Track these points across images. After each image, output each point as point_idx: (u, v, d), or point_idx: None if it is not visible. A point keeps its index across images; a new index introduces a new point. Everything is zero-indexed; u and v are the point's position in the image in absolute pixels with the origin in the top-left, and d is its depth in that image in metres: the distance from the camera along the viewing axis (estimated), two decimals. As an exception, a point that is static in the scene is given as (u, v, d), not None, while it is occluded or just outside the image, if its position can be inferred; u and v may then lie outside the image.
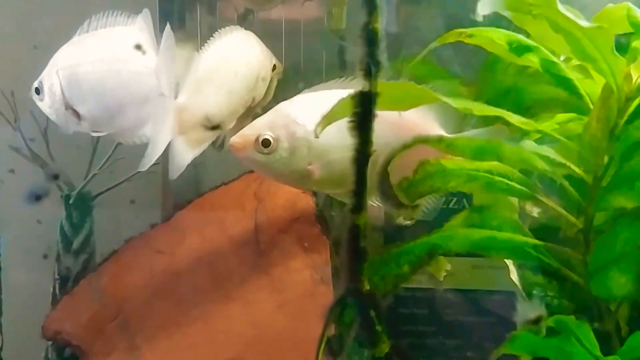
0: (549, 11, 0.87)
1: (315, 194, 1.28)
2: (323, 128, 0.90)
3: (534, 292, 1.19)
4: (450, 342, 1.38)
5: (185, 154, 1.11)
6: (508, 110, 1.00)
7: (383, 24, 1.39)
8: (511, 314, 1.29)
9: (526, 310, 0.91)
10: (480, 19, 0.86)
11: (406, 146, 0.90)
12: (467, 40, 0.98)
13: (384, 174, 0.89)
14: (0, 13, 1.35)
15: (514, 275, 1.04)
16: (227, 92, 1.15)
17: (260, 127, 1.05)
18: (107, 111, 1.11)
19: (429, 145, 0.92)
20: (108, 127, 1.13)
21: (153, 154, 1.08)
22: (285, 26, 1.39)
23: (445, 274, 1.26)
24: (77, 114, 1.09)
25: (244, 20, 1.39)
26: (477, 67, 1.34)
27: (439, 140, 0.91)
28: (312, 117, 0.95)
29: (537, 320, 0.88)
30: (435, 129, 1.05)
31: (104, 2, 1.38)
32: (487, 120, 1.04)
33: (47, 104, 1.12)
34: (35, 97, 1.14)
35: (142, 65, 1.11)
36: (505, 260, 1.05)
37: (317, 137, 0.93)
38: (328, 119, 0.88)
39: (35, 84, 1.13)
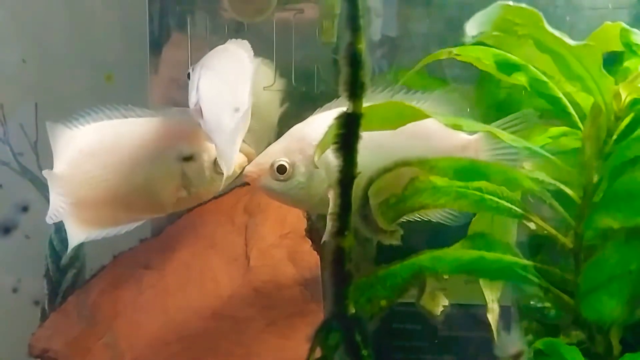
0: (536, 31, 0.86)
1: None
2: (320, 155, 0.89)
3: (531, 303, 1.18)
4: (443, 357, 1.37)
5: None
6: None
7: (380, 28, 1.39)
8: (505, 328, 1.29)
9: (506, 345, 0.90)
10: (469, 40, 0.85)
11: (387, 169, 0.89)
12: (457, 58, 0.97)
13: (364, 198, 0.88)
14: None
15: (492, 315, 1.03)
16: None
17: (274, 153, 1.01)
18: (214, 122, 1.02)
19: (412, 167, 0.91)
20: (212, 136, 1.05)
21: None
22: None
23: (442, 309, 1.24)
24: (201, 112, 1.02)
25: (236, 32, 1.38)
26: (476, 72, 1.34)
27: (422, 162, 0.90)
28: None
29: (517, 356, 0.86)
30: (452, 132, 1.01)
31: (93, 13, 1.38)
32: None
33: (190, 90, 1.06)
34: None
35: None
36: (488, 299, 1.05)
37: (316, 166, 0.91)
38: (323, 146, 0.87)
39: (190, 69, 1.08)
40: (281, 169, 1.00)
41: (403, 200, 0.95)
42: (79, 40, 1.39)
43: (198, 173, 1.06)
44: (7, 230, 1.00)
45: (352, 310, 0.83)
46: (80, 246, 1.33)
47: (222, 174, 1.03)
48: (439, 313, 1.24)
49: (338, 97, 1.05)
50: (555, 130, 1.08)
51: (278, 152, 1.01)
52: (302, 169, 1.00)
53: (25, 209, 1.33)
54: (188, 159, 1.07)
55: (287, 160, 1.00)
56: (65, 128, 1.06)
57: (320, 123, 0.97)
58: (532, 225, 1.14)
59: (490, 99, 1.23)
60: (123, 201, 1.05)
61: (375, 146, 0.92)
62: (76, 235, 1.05)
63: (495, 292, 1.04)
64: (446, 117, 0.90)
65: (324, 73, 1.38)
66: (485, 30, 0.85)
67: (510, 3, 0.84)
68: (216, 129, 0.96)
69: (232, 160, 0.98)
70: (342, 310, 0.82)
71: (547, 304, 1.17)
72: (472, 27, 0.83)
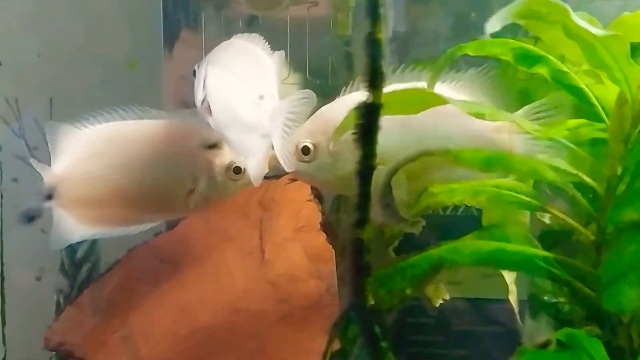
0: (563, 20, 0.85)
1: (321, 201, 1.27)
2: (335, 140, 0.88)
3: (545, 298, 1.17)
4: (457, 352, 1.36)
5: None
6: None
7: (391, 24, 1.39)
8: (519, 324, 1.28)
9: (532, 333, 0.89)
10: (487, 37, 0.84)
11: (409, 159, 0.88)
12: (474, 54, 0.97)
13: (387, 187, 0.87)
14: (4, 22, 1.34)
15: (513, 297, 1.02)
16: None
17: (299, 135, 1.01)
18: (225, 118, 1.00)
19: (435, 157, 0.90)
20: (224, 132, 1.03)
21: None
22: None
23: (442, 302, 1.24)
24: (209, 109, 1.01)
25: (249, 26, 1.38)
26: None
27: (446, 152, 0.89)
28: None
29: (545, 345, 0.85)
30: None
31: (107, 7, 1.38)
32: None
33: (195, 88, 1.05)
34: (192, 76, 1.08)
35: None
36: (507, 281, 1.04)
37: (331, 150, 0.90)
38: (340, 132, 0.87)
39: (195, 65, 1.07)
40: (305, 150, 1.01)
41: (419, 200, 0.94)
42: (94, 36, 1.39)
43: (209, 178, 1.06)
44: (30, 219, 0.99)
45: (371, 302, 0.83)
46: (95, 240, 1.35)
47: (235, 180, 1.05)
48: (437, 305, 1.24)
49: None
50: (573, 122, 1.07)
51: (303, 133, 1.01)
52: (326, 150, 1.00)
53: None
54: (212, 146, 1.06)
55: (311, 141, 1.00)
56: (70, 128, 1.05)
57: (344, 105, 0.98)
58: (546, 220, 1.14)
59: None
60: (131, 201, 1.05)
61: (405, 125, 0.92)
62: (77, 232, 1.05)
63: (513, 274, 1.04)
64: (468, 104, 0.89)
65: (338, 66, 1.38)
66: (507, 23, 0.84)
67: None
68: (229, 124, 0.96)
69: (260, 154, 0.95)
70: (361, 302, 0.81)
71: (562, 299, 1.16)
72: (494, 24, 0.82)
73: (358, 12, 1.35)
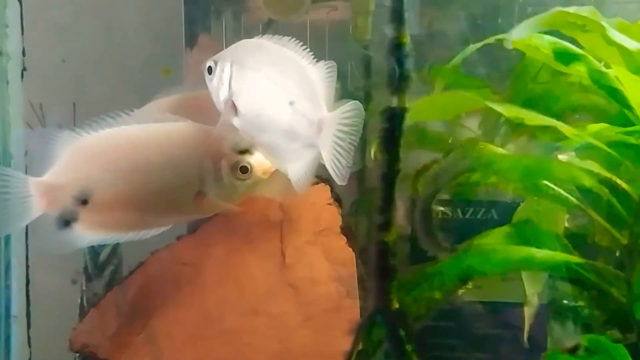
0: (599, 30, 0.85)
1: (340, 205, 1.28)
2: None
3: (565, 302, 1.17)
4: (477, 355, 1.36)
5: None
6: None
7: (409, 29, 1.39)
8: (540, 327, 1.28)
9: (560, 336, 0.89)
10: (509, 46, 0.84)
11: (458, 174, 0.88)
12: (512, 47, 0.96)
13: (427, 212, 0.87)
14: (30, 28, 1.37)
15: (529, 309, 1.01)
16: None
17: None
18: (259, 120, 1.01)
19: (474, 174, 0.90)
20: (256, 136, 1.04)
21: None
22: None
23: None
24: (235, 109, 1.02)
25: (268, 29, 1.39)
26: (503, 71, 1.33)
27: (486, 165, 0.89)
28: None
29: (574, 349, 0.85)
30: None
31: (130, 13, 1.40)
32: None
33: (213, 86, 1.06)
34: (205, 74, 1.07)
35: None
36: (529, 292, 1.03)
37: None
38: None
39: (209, 63, 1.06)
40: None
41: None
42: (116, 42, 1.41)
43: (215, 179, 1.05)
44: (67, 223, 1.01)
45: (396, 305, 0.83)
46: (117, 244, 1.36)
47: (242, 179, 1.04)
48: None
49: (369, 93, 1.05)
50: (594, 126, 1.07)
51: None
52: None
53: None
54: (244, 151, 1.06)
55: None
56: (71, 134, 1.04)
57: None
58: (565, 223, 1.13)
59: (527, 94, 1.23)
60: (139, 205, 1.05)
61: None
62: (86, 238, 1.04)
63: (538, 286, 1.03)
64: (508, 107, 0.89)
65: (357, 70, 1.39)
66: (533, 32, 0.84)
67: (571, 10, 0.84)
68: (263, 127, 0.96)
69: (307, 163, 0.95)
70: (386, 305, 0.82)
71: (581, 303, 1.16)
72: (520, 32, 0.82)
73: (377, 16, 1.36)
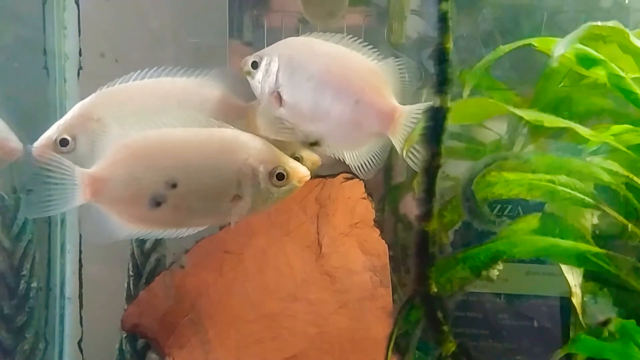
0: (621, 40, 0.91)
1: (373, 199, 1.34)
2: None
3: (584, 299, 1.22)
4: (503, 345, 1.42)
5: None
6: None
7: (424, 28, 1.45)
8: (563, 320, 1.33)
9: (594, 313, 0.95)
10: (555, 63, 0.91)
11: (487, 165, 0.95)
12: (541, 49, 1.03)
13: (469, 191, 0.94)
14: (86, 29, 1.44)
15: (576, 299, 1.06)
16: None
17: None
18: (308, 110, 1.07)
19: (508, 162, 0.97)
20: (306, 125, 1.09)
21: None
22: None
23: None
24: (280, 100, 1.07)
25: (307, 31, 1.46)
26: (525, 74, 1.39)
27: (517, 157, 0.96)
28: None
29: (605, 322, 0.91)
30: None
31: (174, 16, 1.47)
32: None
33: (257, 79, 1.11)
34: (248, 68, 1.13)
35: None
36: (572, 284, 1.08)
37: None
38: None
39: (254, 58, 1.12)
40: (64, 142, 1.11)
41: (476, 191, 1.01)
42: (157, 38, 1.45)
43: (252, 184, 1.08)
44: (158, 204, 1.06)
45: (434, 289, 0.90)
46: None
47: (278, 186, 1.08)
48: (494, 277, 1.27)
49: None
50: (617, 128, 1.13)
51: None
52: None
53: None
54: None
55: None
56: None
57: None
58: (595, 220, 1.18)
59: (551, 96, 1.28)
60: (177, 205, 1.07)
61: None
62: (123, 230, 1.09)
63: (578, 277, 1.08)
64: (526, 111, 0.96)
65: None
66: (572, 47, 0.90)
67: (599, 23, 0.91)
68: (319, 118, 1.02)
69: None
70: (425, 289, 0.89)
71: (601, 300, 1.21)
72: (560, 47, 0.89)
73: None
